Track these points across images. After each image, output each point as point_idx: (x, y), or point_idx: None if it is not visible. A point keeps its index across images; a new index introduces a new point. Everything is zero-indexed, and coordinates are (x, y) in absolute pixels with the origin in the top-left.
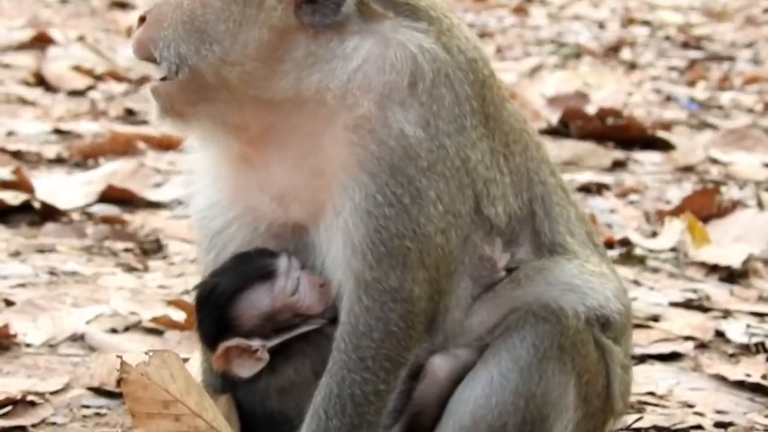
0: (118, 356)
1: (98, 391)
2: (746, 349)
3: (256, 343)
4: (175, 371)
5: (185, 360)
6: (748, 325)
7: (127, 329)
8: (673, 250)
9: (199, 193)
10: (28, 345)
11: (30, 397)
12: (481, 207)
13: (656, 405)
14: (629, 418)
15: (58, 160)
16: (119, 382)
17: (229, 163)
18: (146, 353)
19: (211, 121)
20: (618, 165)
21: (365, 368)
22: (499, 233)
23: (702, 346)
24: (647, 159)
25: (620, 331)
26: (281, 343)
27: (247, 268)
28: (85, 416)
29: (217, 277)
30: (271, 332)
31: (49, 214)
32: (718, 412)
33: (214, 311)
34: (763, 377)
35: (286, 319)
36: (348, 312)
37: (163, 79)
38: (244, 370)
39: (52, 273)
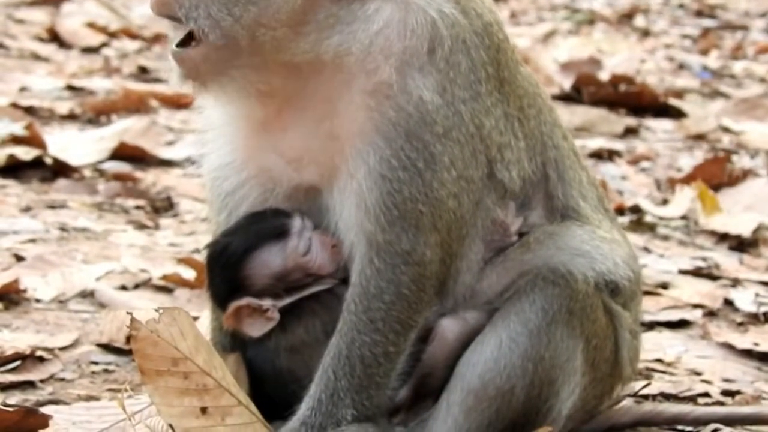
0: (128, 313)
1: (107, 348)
2: (754, 318)
3: (266, 302)
4: (185, 329)
5: (195, 318)
6: (757, 294)
7: (137, 286)
8: (683, 218)
9: (212, 152)
10: (37, 300)
11: (39, 353)
12: (495, 171)
13: (664, 372)
14: (637, 385)
15: (71, 117)
16: (128, 339)
17: (245, 124)
18: (156, 310)
19: (235, 87)
20: (630, 132)
21: (375, 330)
22: (512, 197)
23: (710, 314)
24: (659, 126)
25: (629, 296)
26: (292, 303)
27: (260, 227)
28: (93, 372)
29: (230, 237)
30: (282, 292)
31: (61, 170)
32: (726, 380)
33: (226, 270)
34: None
35: (298, 279)
36: (359, 273)
37: (184, 43)
38: (255, 329)
39: (63, 229)
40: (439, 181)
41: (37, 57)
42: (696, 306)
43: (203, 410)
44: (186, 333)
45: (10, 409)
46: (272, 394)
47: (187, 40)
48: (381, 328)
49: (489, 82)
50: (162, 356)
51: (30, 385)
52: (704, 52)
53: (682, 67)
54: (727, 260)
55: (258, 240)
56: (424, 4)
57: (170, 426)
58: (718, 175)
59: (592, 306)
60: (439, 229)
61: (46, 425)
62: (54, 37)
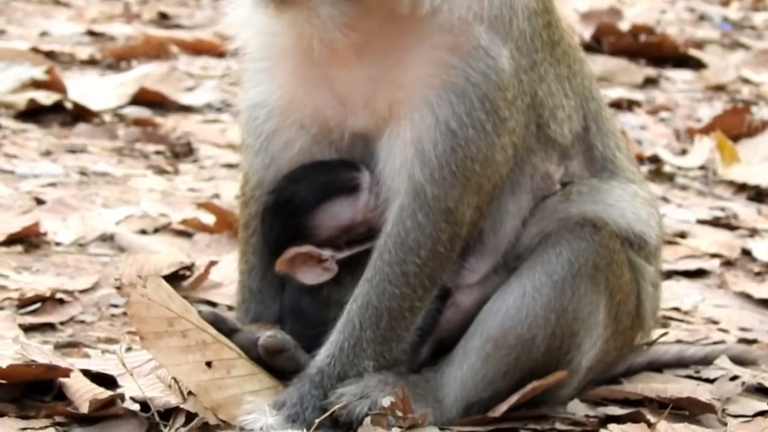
0: (115, 279)
1: None
2: None
3: (327, 253)
4: (172, 294)
5: (214, 263)
6: None
7: (156, 231)
8: (702, 168)
9: (254, 87)
10: (57, 244)
11: (59, 295)
12: (548, 133)
13: (681, 321)
14: (654, 334)
15: (91, 62)
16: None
17: (303, 58)
18: (138, 277)
19: (320, 15)
20: (649, 82)
21: (406, 283)
22: (562, 150)
23: (728, 263)
24: (679, 77)
25: (654, 251)
26: (349, 258)
27: (331, 179)
28: (113, 315)
29: (296, 185)
30: (344, 244)
31: (81, 114)
32: (742, 329)
33: (292, 218)
34: None
35: (361, 233)
36: (398, 223)
37: None
38: (308, 277)
39: (83, 173)
40: (500, 144)
41: (57, 2)
42: (714, 255)
43: (208, 364)
44: (173, 296)
45: (33, 365)
46: (310, 341)
47: None
48: (412, 282)
49: (543, 49)
50: (157, 318)
51: (50, 327)
52: (725, 3)
53: (702, 17)
54: (745, 210)
55: (330, 192)
56: None
57: (174, 379)
58: (737, 125)
59: (618, 262)
60: (482, 192)
61: (67, 376)
62: None
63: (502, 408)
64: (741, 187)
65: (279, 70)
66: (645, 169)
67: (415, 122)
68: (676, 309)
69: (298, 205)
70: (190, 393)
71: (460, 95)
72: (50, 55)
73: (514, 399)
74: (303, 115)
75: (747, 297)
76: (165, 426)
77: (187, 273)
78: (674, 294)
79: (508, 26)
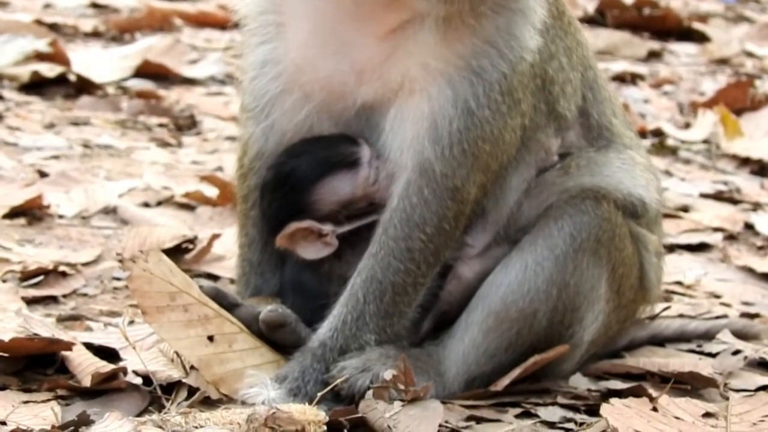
0: (117, 254)
1: None
2: None
3: (327, 227)
4: (173, 268)
5: (217, 236)
6: None
7: (159, 204)
8: (705, 141)
9: (260, 45)
10: (60, 216)
11: (61, 268)
12: (558, 108)
13: (683, 295)
14: (657, 307)
15: (95, 34)
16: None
17: (324, 18)
18: (139, 251)
19: None
20: (653, 55)
21: (411, 259)
22: (561, 123)
23: (731, 237)
24: (682, 50)
25: (655, 219)
26: (349, 232)
27: (331, 153)
28: (115, 288)
29: (296, 159)
30: (344, 219)
31: (85, 87)
32: (745, 303)
33: (292, 193)
34: None
35: (362, 207)
36: (404, 199)
37: None
38: (309, 252)
39: (86, 146)
40: (512, 126)
41: None
42: (716, 229)
43: (210, 338)
44: (174, 271)
45: (35, 338)
46: (311, 315)
47: None
48: (417, 258)
49: (555, 24)
50: (159, 292)
51: (53, 300)
52: None
53: None
54: (748, 184)
55: (329, 167)
56: None
57: (176, 353)
58: (740, 99)
59: (621, 235)
60: (489, 171)
61: (69, 350)
62: None
63: (504, 382)
64: (744, 161)
65: (294, 27)
66: (648, 142)
67: (433, 97)
68: (679, 283)
69: (298, 180)
70: (192, 367)
71: (480, 75)
72: (54, 27)
73: (515, 373)
74: (312, 79)
75: (749, 271)
76: (167, 400)
77: (190, 246)
78: (677, 268)
79: (526, 13)
